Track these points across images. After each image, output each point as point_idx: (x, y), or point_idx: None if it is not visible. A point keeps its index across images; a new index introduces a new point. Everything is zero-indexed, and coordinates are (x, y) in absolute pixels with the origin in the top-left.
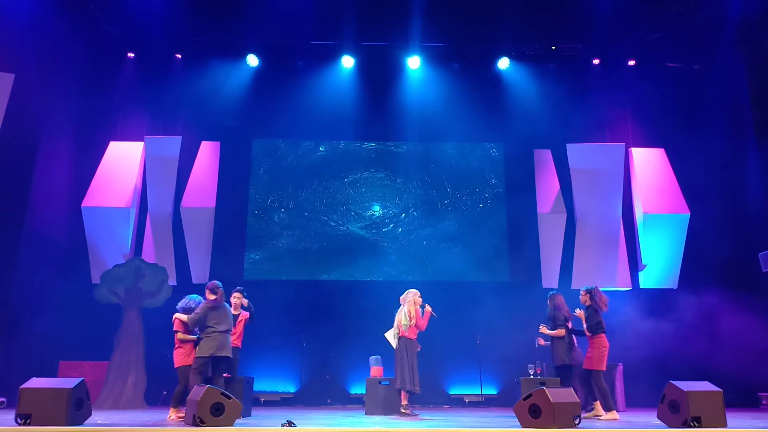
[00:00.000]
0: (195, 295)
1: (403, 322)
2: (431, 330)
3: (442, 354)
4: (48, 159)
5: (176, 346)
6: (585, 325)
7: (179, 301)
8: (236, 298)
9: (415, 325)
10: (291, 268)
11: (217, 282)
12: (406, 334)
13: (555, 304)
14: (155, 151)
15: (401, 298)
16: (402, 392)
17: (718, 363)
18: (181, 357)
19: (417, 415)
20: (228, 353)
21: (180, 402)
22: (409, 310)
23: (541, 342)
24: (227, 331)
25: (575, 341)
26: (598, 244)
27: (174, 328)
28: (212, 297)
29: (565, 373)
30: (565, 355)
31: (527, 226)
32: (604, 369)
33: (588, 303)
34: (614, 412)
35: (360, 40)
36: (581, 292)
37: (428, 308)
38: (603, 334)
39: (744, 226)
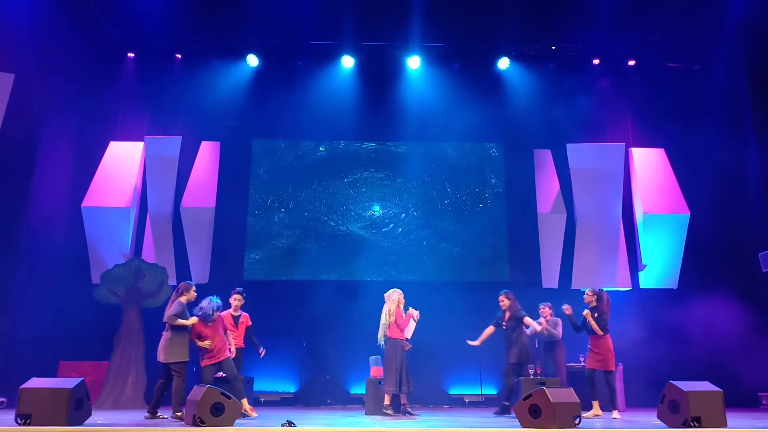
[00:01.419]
0: (214, 297)
1: (383, 320)
2: (431, 330)
3: (442, 354)
4: (48, 159)
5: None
6: (595, 326)
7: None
8: (236, 300)
9: (395, 323)
10: (291, 268)
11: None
12: (388, 333)
13: (515, 302)
14: (155, 151)
15: (386, 295)
16: (386, 394)
17: (718, 363)
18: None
19: (417, 415)
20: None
21: None
22: (390, 308)
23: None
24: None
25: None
26: (598, 244)
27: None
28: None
29: (521, 371)
30: (525, 351)
31: (527, 226)
32: (614, 369)
33: (594, 304)
34: (616, 411)
35: (360, 40)
36: (587, 292)
37: (411, 311)
38: (608, 334)
39: (744, 227)
